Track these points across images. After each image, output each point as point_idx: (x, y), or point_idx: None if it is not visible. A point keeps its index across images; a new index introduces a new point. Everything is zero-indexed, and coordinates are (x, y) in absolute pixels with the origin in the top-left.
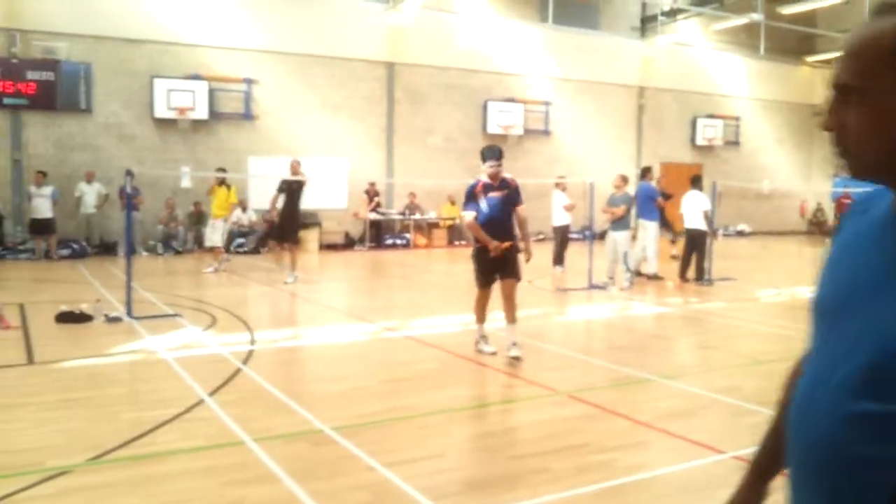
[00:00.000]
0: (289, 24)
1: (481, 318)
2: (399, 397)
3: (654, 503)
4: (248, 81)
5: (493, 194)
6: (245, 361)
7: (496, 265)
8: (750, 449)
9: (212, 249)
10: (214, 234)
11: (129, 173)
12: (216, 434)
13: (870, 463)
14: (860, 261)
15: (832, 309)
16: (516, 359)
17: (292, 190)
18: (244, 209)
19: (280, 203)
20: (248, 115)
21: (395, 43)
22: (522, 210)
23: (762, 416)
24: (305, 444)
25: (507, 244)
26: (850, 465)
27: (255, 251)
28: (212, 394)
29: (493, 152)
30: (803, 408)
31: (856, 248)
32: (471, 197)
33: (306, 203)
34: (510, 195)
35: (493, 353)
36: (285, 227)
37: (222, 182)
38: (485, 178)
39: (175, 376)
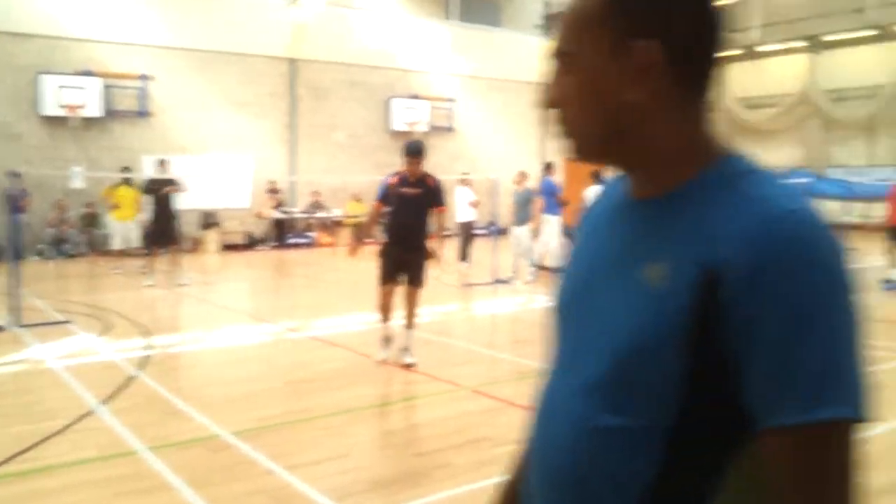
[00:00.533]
0: (187, 19)
1: (386, 316)
2: (301, 399)
3: None
4: (144, 78)
5: (406, 190)
6: (140, 367)
7: (403, 266)
8: None
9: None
10: (132, 234)
11: (13, 174)
12: (108, 444)
13: (613, 478)
14: (597, 252)
15: (569, 307)
16: (410, 366)
17: (162, 191)
18: (139, 210)
19: (148, 205)
20: (143, 113)
21: (297, 39)
22: (441, 212)
23: None
24: (202, 450)
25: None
26: (593, 480)
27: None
28: (104, 402)
29: (410, 149)
30: (544, 419)
31: (595, 238)
32: (384, 187)
33: (207, 203)
34: (426, 195)
35: (384, 361)
36: (161, 229)
37: (127, 182)
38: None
39: (64, 386)
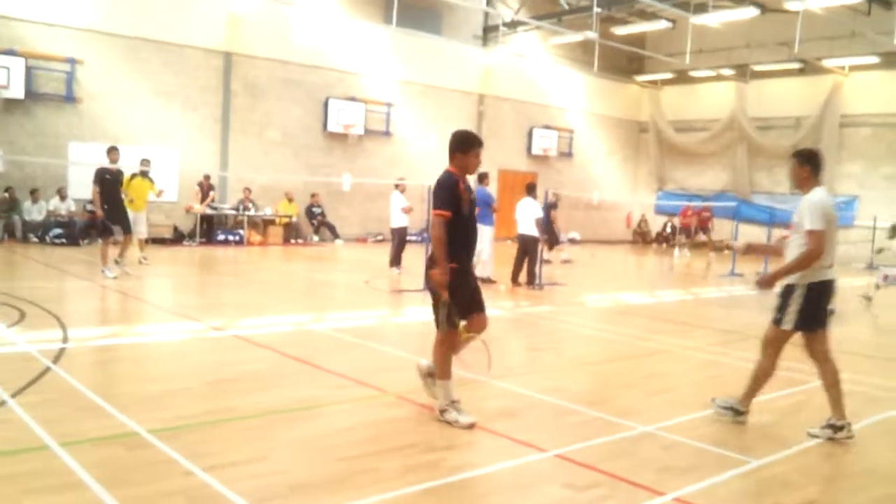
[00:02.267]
0: (120, 3)
1: (450, 371)
2: (223, 398)
3: (478, 501)
4: (72, 61)
5: (469, 196)
6: (55, 360)
7: (476, 297)
8: (572, 447)
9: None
10: (140, 226)
11: None
12: (17, 438)
13: None
14: None
15: None
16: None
17: (111, 180)
18: (63, 198)
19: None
20: (70, 98)
21: (234, 32)
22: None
23: (584, 416)
24: (118, 448)
25: (443, 277)
26: None
27: (74, 243)
28: (14, 395)
29: (477, 139)
30: None
31: None
32: (452, 194)
33: None
34: (474, 202)
35: (473, 426)
36: (113, 219)
37: (145, 174)
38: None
39: None
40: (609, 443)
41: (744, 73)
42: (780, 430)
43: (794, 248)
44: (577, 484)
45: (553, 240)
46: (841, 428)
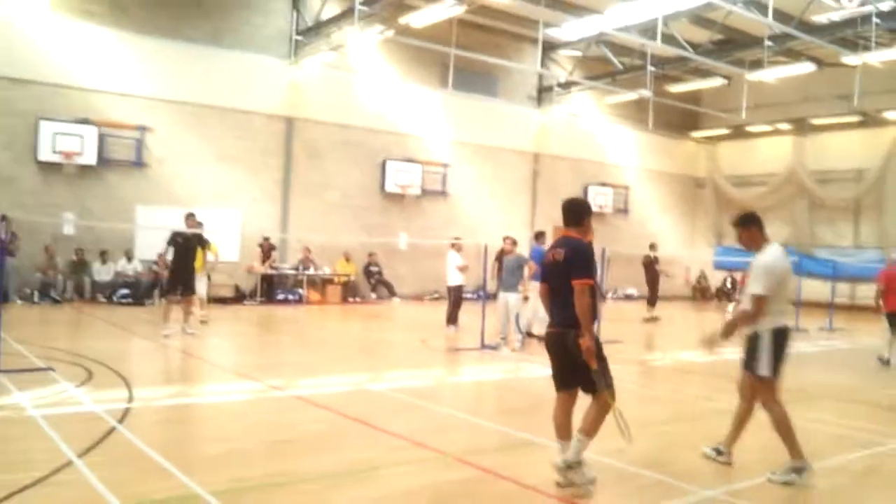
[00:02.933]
0: (187, 74)
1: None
2: (281, 460)
3: None
4: (142, 129)
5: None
6: (121, 420)
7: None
8: None
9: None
10: (199, 286)
11: (2, 218)
12: (82, 499)
13: None
14: None
15: None
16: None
17: (183, 244)
18: (130, 259)
19: (170, 255)
20: (139, 163)
21: (295, 98)
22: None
23: (647, 479)
24: None
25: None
26: None
27: (139, 302)
28: (81, 455)
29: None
30: None
31: None
32: (592, 262)
33: None
34: None
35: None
36: (179, 279)
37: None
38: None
39: (42, 436)
40: None
41: (802, 126)
42: (854, 495)
43: (747, 301)
44: None
45: (654, 297)
46: (801, 469)
